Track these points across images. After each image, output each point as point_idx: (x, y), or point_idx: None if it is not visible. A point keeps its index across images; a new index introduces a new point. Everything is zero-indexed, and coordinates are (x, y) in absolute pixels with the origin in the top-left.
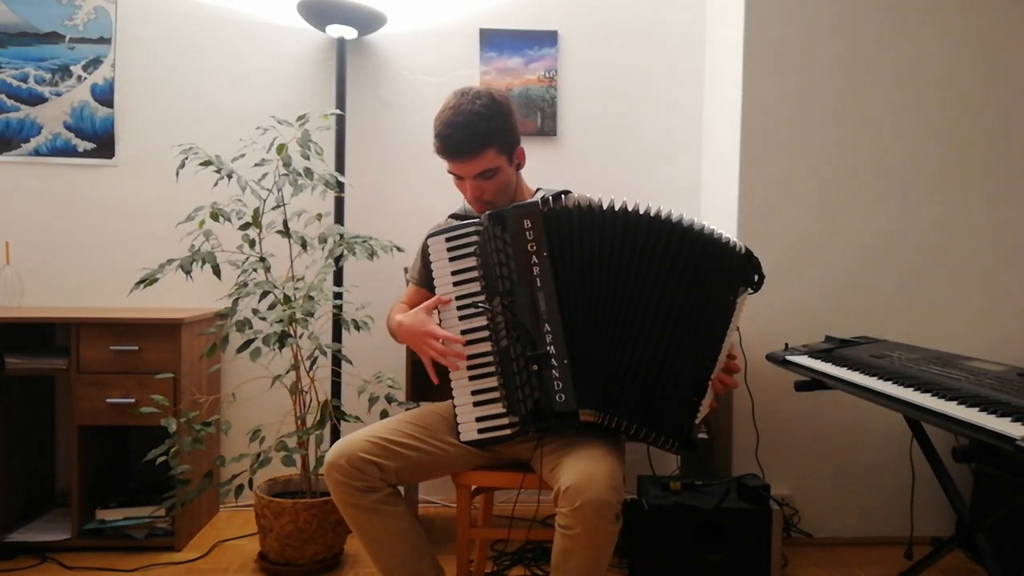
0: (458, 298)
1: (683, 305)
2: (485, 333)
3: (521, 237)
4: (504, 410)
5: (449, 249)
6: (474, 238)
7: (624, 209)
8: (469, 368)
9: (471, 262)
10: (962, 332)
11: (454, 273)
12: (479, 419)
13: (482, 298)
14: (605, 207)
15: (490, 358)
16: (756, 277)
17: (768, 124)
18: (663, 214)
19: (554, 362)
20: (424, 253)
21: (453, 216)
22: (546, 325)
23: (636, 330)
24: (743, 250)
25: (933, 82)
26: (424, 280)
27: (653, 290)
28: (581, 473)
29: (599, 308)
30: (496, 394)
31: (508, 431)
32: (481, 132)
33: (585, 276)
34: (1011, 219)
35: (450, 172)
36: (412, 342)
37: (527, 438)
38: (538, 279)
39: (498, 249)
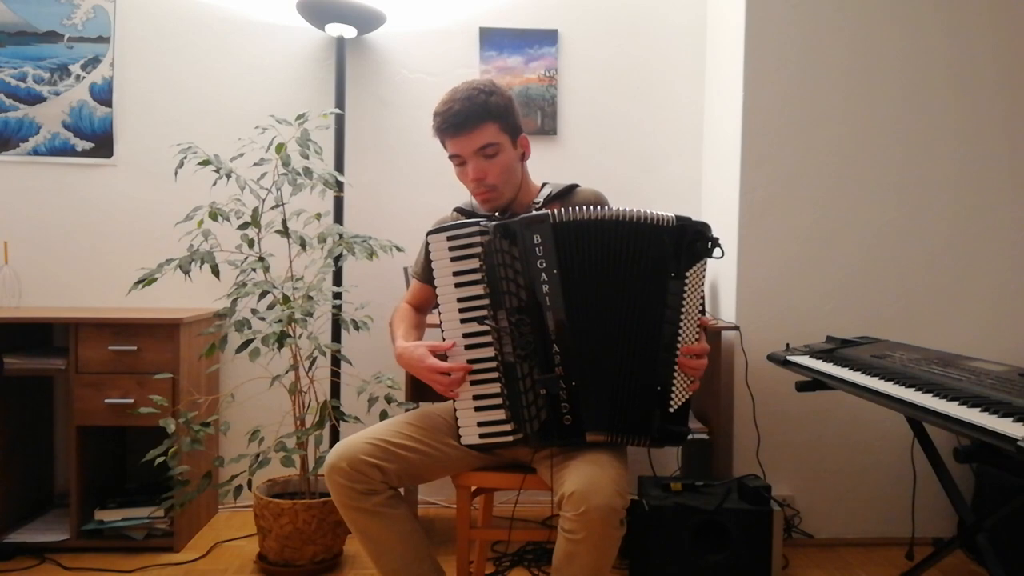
0: (459, 300)
1: (649, 301)
2: (488, 339)
3: (531, 253)
4: (506, 417)
5: (451, 248)
6: (477, 239)
7: (624, 217)
8: (472, 372)
9: (473, 263)
10: (965, 333)
11: (456, 274)
12: (480, 424)
13: (486, 303)
14: (607, 216)
15: (493, 364)
16: (709, 244)
17: (770, 122)
18: (644, 217)
19: (562, 383)
20: (426, 249)
21: (458, 210)
22: (554, 346)
23: (625, 341)
24: (673, 222)
25: (938, 79)
26: (427, 276)
27: (630, 292)
28: (586, 478)
29: (600, 323)
30: (498, 400)
31: (510, 437)
32: (480, 104)
33: (588, 291)
34: (1016, 219)
35: (451, 157)
36: (413, 373)
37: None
38: (547, 297)
39: (505, 264)
